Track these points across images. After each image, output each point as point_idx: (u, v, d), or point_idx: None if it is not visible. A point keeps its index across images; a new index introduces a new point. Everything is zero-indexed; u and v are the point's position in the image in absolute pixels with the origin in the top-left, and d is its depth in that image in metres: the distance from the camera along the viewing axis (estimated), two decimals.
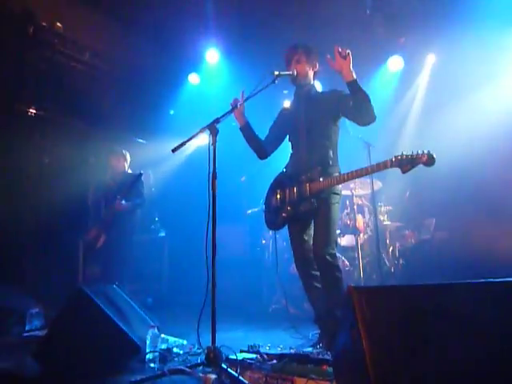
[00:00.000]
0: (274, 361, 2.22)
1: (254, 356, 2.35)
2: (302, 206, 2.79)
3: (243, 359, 2.27)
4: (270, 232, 5.04)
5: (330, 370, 1.95)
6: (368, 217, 4.83)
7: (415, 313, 1.41)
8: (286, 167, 3.05)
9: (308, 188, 2.75)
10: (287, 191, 2.88)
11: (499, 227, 4.20)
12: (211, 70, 5.83)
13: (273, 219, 2.99)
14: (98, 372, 2.31)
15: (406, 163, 2.35)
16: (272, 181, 3.08)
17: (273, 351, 2.44)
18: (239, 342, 2.74)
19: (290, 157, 3.05)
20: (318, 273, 2.80)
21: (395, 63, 5.35)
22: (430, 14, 4.79)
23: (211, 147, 2.40)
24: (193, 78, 5.96)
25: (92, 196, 4.70)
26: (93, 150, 5.14)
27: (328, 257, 2.66)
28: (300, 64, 2.90)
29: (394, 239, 4.91)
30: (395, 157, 2.40)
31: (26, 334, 3.49)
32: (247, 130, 3.01)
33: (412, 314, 1.41)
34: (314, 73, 3.02)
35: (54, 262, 4.66)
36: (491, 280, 1.48)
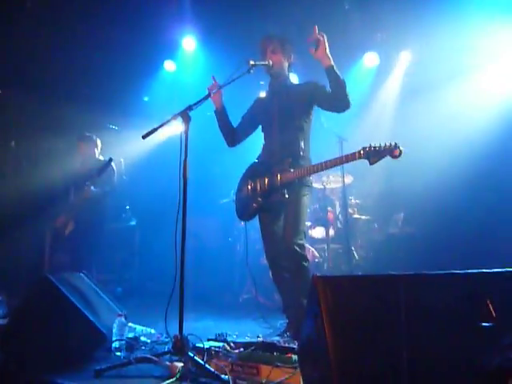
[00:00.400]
0: (241, 349, 2.24)
1: (220, 344, 2.36)
2: (272, 197, 2.81)
3: (210, 347, 2.28)
4: (242, 223, 5.06)
5: (295, 357, 1.99)
6: (338, 210, 4.91)
7: (377, 302, 1.45)
8: (257, 158, 3.05)
9: (279, 179, 2.76)
10: (258, 182, 2.89)
11: (466, 224, 4.35)
12: (187, 57, 5.74)
13: (243, 210, 3.00)
14: (63, 361, 2.27)
15: (374, 155, 2.38)
16: (244, 172, 3.08)
17: (240, 340, 2.46)
18: (208, 331, 2.76)
19: (262, 148, 3.06)
20: (286, 263, 2.82)
21: (371, 59, 5.42)
22: (407, 10, 4.86)
23: (183, 135, 2.38)
24: (168, 65, 5.86)
25: (61, 182, 4.56)
26: (63, 136, 5.00)
27: (296, 247, 2.70)
28: (275, 54, 2.89)
29: (363, 232, 5.02)
30: (363, 148, 2.43)
31: None
32: (222, 114, 3.04)
33: (374, 303, 1.45)
34: (289, 64, 3.02)
35: (19, 250, 4.53)
36: (449, 272, 1.54)
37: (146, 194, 5.76)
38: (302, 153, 2.83)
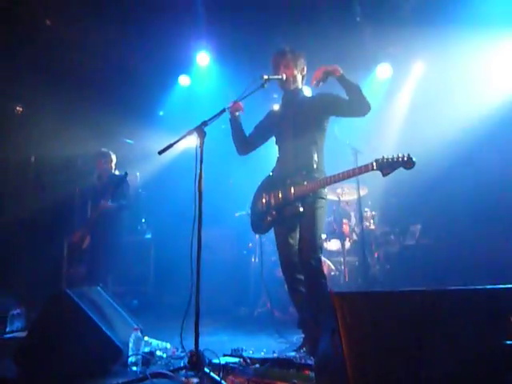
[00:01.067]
0: (257, 365, 2.22)
1: (237, 360, 2.35)
2: (286, 210, 2.80)
3: (226, 363, 2.27)
4: (257, 235, 5.05)
5: (312, 374, 1.96)
6: (354, 222, 4.87)
7: (395, 319, 1.43)
8: (272, 171, 3.06)
9: (292, 192, 2.76)
10: (272, 195, 2.89)
11: (485, 236, 4.26)
12: (202, 72, 5.83)
13: (258, 223, 3.00)
14: (79, 375, 2.28)
15: (387, 167, 2.38)
16: (259, 185, 3.08)
17: (256, 355, 2.44)
18: (223, 346, 2.74)
19: (277, 161, 3.06)
20: (302, 277, 2.80)
21: (384, 71, 5.42)
22: (419, 22, 4.86)
23: (198, 149, 2.40)
24: (183, 80, 5.95)
25: (78, 197, 4.66)
26: (80, 151, 5.10)
27: (313, 261, 2.68)
28: (288, 69, 2.91)
29: (379, 244, 4.96)
30: (376, 160, 2.43)
31: (6, 336, 3.43)
32: (237, 122, 3.09)
33: (391, 320, 1.42)
34: (302, 77, 3.04)
35: (37, 263, 4.60)
36: (471, 287, 1.51)
37: (161, 207, 5.81)
38: (315, 165, 2.82)
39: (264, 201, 2.94)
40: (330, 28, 5.22)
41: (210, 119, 2.46)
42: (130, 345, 2.49)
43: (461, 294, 1.49)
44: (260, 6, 5.08)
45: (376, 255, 4.85)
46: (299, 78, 3.00)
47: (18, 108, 4.71)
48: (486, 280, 1.77)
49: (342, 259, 4.46)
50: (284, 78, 2.86)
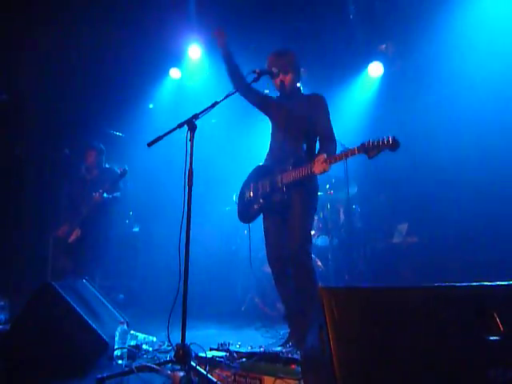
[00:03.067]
0: (243, 359, 2.22)
1: (223, 354, 2.34)
2: (273, 197, 2.82)
3: (212, 357, 2.27)
4: (246, 231, 5.05)
5: (299, 369, 1.97)
6: (342, 218, 4.89)
7: (382, 315, 1.44)
8: (262, 162, 3.07)
9: (280, 179, 2.78)
10: (260, 183, 2.92)
11: (472, 234, 4.33)
12: (193, 65, 5.79)
13: (245, 212, 3.01)
14: (64, 368, 2.26)
15: (372, 149, 2.38)
16: (248, 175, 3.09)
17: (242, 349, 2.44)
18: (210, 340, 2.74)
19: (267, 152, 3.07)
20: (290, 270, 2.79)
21: (375, 69, 5.44)
22: (411, 20, 4.89)
23: (188, 143, 2.38)
24: (174, 73, 5.90)
25: (66, 190, 4.56)
26: (68, 143, 5.02)
27: (303, 255, 2.68)
28: (286, 75, 2.91)
29: (367, 242, 5.00)
30: (361, 143, 2.43)
31: None
32: (230, 56, 3.04)
33: (379, 316, 1.44)
34: (299, 78, 3.04)
35: (22, 255, 4.53)
36: (455, 284, 1.53)
37: (149, 200, 5.77)
38: (303, 154, 2.84)
39: (252, 189, 2.96)
40: (323, 24, 5.23)
41: (200, 112, 2.43)
42: (116, 338, 2.47)
43: (446, 291, 1.50)
44: (253, 0, 5.06)
45: (363, 252, 4.89)
46: (296, 79, 2.99)
47: (2, 96, 4.61)
48: (471, 277, 1.80)
49: (329, 255, 4.48)
50: (275, 71, 2.84)
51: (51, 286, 2.44)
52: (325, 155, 2.60)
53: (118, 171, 4.26)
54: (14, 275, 4.44)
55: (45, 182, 4.79)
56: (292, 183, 2.74)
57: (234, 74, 3.02)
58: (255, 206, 2.90)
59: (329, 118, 2.90)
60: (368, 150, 2.40)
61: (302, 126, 2.91)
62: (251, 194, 2.95)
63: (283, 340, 2.93)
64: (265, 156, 3.08)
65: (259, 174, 2.98)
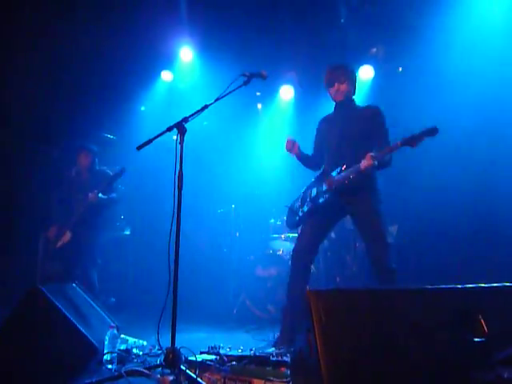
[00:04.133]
0: (234, 362, 2.23)
1: (213, 357, 2.34)
2: (320, 199, 2.93)
3: (202, 360, 2.26)
4: (237, 233, 5.06)
5: (288, 371, 1.98)
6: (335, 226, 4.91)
7: (370, 316, 1.45)
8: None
9: (327, 182, 2.90)
10: (307, 193, 3.11)
11: (461, 236, 4.37)
12: (184, 67, 5.78)
13: (292, 218, 3.19)
14: (53, 373, 2.24)
15: (414, 140, 2.58)
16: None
17: (233, 353, 2.44)
18: (201, 344, 2.73)
19: (324, 165, 3.17)
20: (312, 267, 3.03)
21: (366, 72, 5.48)
22: (402, 24, 4.94)
23: (178, 146, 2.38)
24: (165, 75, 5.89)
25: (56, 192, 4.49)
26: (58, 145, 4.98)
27: (391, 265, 2.73)
28: (342, 84, 3.04)
29: (357, 243, 5.02)
30: (403, 138, 2.61)
31: None
32: (303, 158, 3.24)
33: (367, 317, 1.45)
34: (354, 88, 3.16)
35: (10, 259, 4.48)
36: (442, 287, 1.55)
37: (140, 203, 5.75)
38: (353, 158, 2.84)
39: (302, 197, 3.15)
40: (315, 28, 5.26)
41: (191, 115, 2.44)
42: (106, 342, 2.46)
43: (433, 293, 1.52)
44: (244, 3, 5.08)
45: (354, 254, 4.91)
46: (352, 90, 3.12)
47: None
48: (459, 279, 1.82)
49: (320, 258, 4.50)
50: (264, 74, 2.81)
51: (40, 290, 2.42)
52: (371, 153, 2.72)
53: (111, 173, 4.22)
54: (1, 279, 4.39)
55: (34, 184, 4.74)
56: (350, 188, 2.81)
57: (309, 165, 3.31)
58: (301, 212, 3.07)
59: (386, 129, 2.99)
60: (410, 142, 2.58)
61: (356, 138, 2.98)
62: (300, 202, 3.15)
63: (275, 341, 2.95)
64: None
65: (309, 185, 3.16)
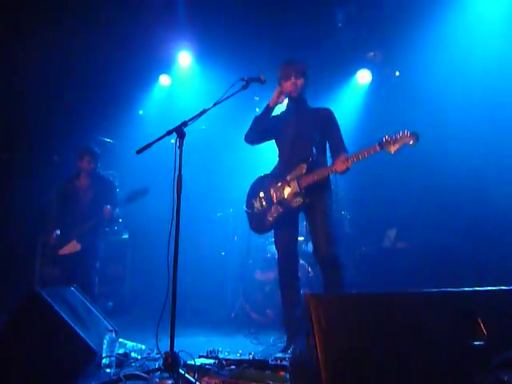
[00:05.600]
0: (233, 366, 2.22)
1: (212, 361, 2.34)
2: (292, 203, 2.84)
3: (201, 364, 2.26)
4: (235, 237, 5.06)
5: (287, 375, 1.97)
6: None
7: (369, 321, 1.45)
8: (270, 172, 3.12)
9: (297, 184, 2.83)
10: (273, 192, 2.95)
11: (460, 240, 4.38)
12: (183, 72, 5.80)
13: (260, 222, 3.01)
14: (52, 377, 2.23)
15: (392, 143, 2.50)
16: (252, 184, 3.13)
17: (232, 357, 2.44)
18: (200, 348, 2.73)
19: (277, 163, 3.12)
20: (299, 273, 2.94)
21: (363, 76, 5.51)
22: (400, 28, 4.97)
23: (177, 150, 2.39)
24: (164, 80, 5.91)
25: (55, 196, 4.42)
26: (57, 149, 4.96)
27: (336, 255, 2.73)
28: (299, 79, 2.98)
29: (355, 247, 5.02)
30: (380, 140, 2.55)
31: None
32: (267, 116, 3.06)
33: (366, 322, 1.45)
34: (306, 86, 3.09)
35: (8, 262, 4.46)
36: (441, 290, 1.55)
37: (139, 207, 5.73)
38: (314, 158, 2.87)
39: (263, 199, 2.99)
40: (312, 32, 5.29)
41: (189, 120, 2.45)
42: (104, 346, 2.45)
43: (432, 297, 1.53)
44: (242, 7, 5.11)
45: (352, 258, 4.91)
46: (305, 87, 3.06)
47: None
48: (458, 282, 1.83)
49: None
50: (263, 79, 2.85)
51: (39, 294, 2.41)
52: (346, 154, 2.70)
53: (111, 178, 4.19)
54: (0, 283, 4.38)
55: (33, 188, 4.72)
56: (312, 186, 2.79)
57: (257, 130, 3.10)
58: (273, 215, 2.91)
59: (339, 130, 2.99)
60: (387, 145, 2.50)
61: (311, 136, 2.96)
62: (264, 204, 2.98)
63: (276, 346, 2.95)
64: (271, 169, 3.12)
65: (267, 182, 3.01)
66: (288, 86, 2.98)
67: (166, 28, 5.33)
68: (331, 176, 2.90)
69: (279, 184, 2.92)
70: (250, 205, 3.08)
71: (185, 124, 2.42)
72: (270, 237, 4.83)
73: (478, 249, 4.20)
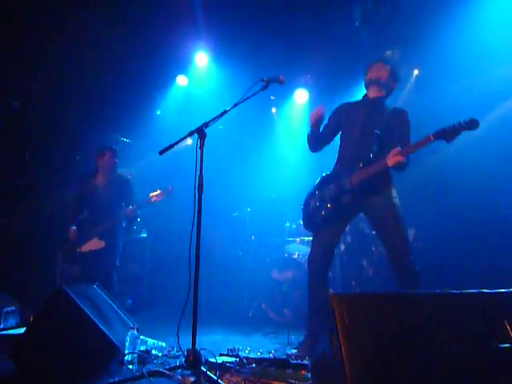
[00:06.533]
0: (253, 365, 2.24)
1: (233, 359, 2.36)
2: (342, 199, 2.76)
3: (223, 362, 2.29)
4: (252, 236, 5.08)
5: (309, 375, 1.98)
6: (348, 225, 4.89)
7: (393, 321, 1.46)
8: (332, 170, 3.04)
9: (348, 180, 2.74)
10: (326, 190, 2.88)
11: (479, 241, 4.32)
12: (200, 72, 5.84)
13: (310, 220, 2.97)
14: (76, 373, 2.28)
15: (449, 133, 2.42)
16: (314, 184, 3.06)
17: (252, 355, 2.46)
18: (219, 346, 2.76)
19: (336, 160, 3.03)
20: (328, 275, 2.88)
21: None
22: (418, 26, 4.92)
23: (198, 150, 2.41)
24: (181, 80, 5.96)
25: (73, 195, 4.49)
26: (78, 149, 5.06)
27: (415, 266, 2.65)
28: (382, 70, 2.94)
29: (374, 247, 4.99)
30: (436, 131, 2.46)
31: (0, 333, 3.42)
32: (315, 133, 3.07)
33: (390, 321, 1.45)
34: (391, 88, 3.04)
35: (31, 260, 4.56)
36: (466, 291, 1.54)
37: (157, 205, 5.80)
38: (372, 155, 2.72)
39: (317, 197, 2.93)
40: (329, 31, 5.27)
41: (210, 121, 2.47)
42: (127, 343, 2.49)
43: (457, 298, 1.52)
44: (259, 7, 5.11)
45: (370, 258, 4.88)
46: (388, 84, 2.98)
47: (14, 104, 4.67)
48: (480, 284, 1.81)
49: (336, 262, 4.49)
50: (282, 79, 2.78)
51: (64, 292, 2.47)
52: (399, 147, 2.57)
53: (129, 178, 4.25)
54: (23, 280, 4.48)
55: (55, 187, 4.82)
56: (368, 184, 2.69)
57: (315, 142, 3.11)
58: (322, 213, 2.84)
59: (409, 134, 2.84)
60: (444, 135, 2.42)
61: (378, 133, 2.81)
62: (317, 203, 2.92)
63: (297, 344, 2.97)
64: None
65: (325, 181, 2.95)
66: (372, 76, 2.94)
67: (184, 29, 5.37)
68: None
69: (334, 182, 2.85)
70: (306, 202, 3.04)
71: (206, 125, 2.44)
72: (287, 236, 4.86)
73: (502, 249, 4.13)
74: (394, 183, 2.86)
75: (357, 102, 3.09)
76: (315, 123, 3.01)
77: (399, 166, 2.62)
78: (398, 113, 2.91)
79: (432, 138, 2.48)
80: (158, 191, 4.17)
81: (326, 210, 2.83)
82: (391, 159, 2.56)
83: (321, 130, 3.08)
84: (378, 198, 2.76)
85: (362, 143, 2.82)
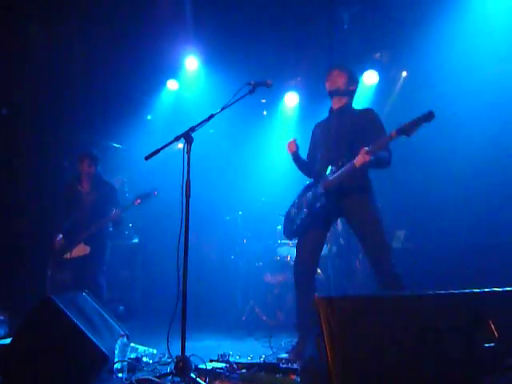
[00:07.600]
0: (244, 370, 2.23)
1: (223, 365, 2.35)
2: (317, 204, 2.80)
3: (212, 368, 2.27)
4: (245, 240, 5.07)
5: (298, 379, 1.97)
6: (340, 226, 4.90)
7: (379, 323, 1.45)
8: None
9: (322, 185, 2.80)
10: (304, 197, 2.96)
11: (469, 240, 4.34)
12: (190, 77, 5.84)
13: (289, 226, 3.04)
14: (65, 382, 2.26)
15: (410, 128, 2.44)
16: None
17: (242, 360, 2.44)
18: (210, 351, 2.74)
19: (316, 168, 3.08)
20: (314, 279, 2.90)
21: (370, 77, 5.48)
22: (406, 29, 4.95)
23: (185, 155, 2.41)
24: (171, 84, 5.95)
25: (64, 202, 4.45)
26: (67, 155, 5.02)
27: (396, 269, 2.64)
28: (340, 77, 2.96)
29: None
30: (397, 128, 2.48)
31: None
32: (299, 159, 3.15)
33: (376, 323, 1.45)
34: (352, 91, 3.05)
35: (20, 269, 4.51)
36: (452, 292, 1.54)
37: (148, 211, 5.78)
38: (345, 160, 2.72)
39: (296, 204, 3.01)
40: (318, 34, 5.30)
41: (197, 125, 2.46)
42: (116, 351, 2.47)
43: (443, 298, 1.52)
44: (248, 11, 5.13)
45: (361, 259, 4.89)
46: (349, 88, 3.00)
47: (2, 110, 4.63)
48: (468, 284, 1.81)
49: (328, 264, 4.49)
50: (269, 83, 2.81)
51: (51, 300, 2.44)
52: (366, 147, 2.56)
53: (115, 184, 4.22)
54: (12, 289, 4.43)
55: (43, 194, 4.78)
56: (337, 188, 2.73)
57: (304, 170, 3.20)
58: (302, 218, 2.91)
59: (383, 130, 2.83)
60: (404, 131, 2.45)
61: (350, 140, 2.85)
62: (296, 210, 3.00)
63: (288, 349, 2.95)
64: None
65: (306, 189, 3.03)
66: (333, 80, 2.97)
67: (174, 33, 5.37)
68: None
69: (309, 188, 2.95)
70: (288, 211, 3.12)
71: (192, 129, 2.43)
72: (279, 239, 4.85)
73: (488, 249, 4.15)
74: (371, 186, 2.88)
75: (326, 118, 3.15)
76: (292, 154, 3.11)
77: (368, 165, 2.62)
78: (365, 113, 2.96)
79: (395, 134, 2.50)
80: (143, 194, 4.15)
81: (304, 216, 2.89)
82: (359, 159, 2.57)
83: (302, 156, 3.17)
84: (351, 201, 2.78)
85: (335, 151, 2.87)
